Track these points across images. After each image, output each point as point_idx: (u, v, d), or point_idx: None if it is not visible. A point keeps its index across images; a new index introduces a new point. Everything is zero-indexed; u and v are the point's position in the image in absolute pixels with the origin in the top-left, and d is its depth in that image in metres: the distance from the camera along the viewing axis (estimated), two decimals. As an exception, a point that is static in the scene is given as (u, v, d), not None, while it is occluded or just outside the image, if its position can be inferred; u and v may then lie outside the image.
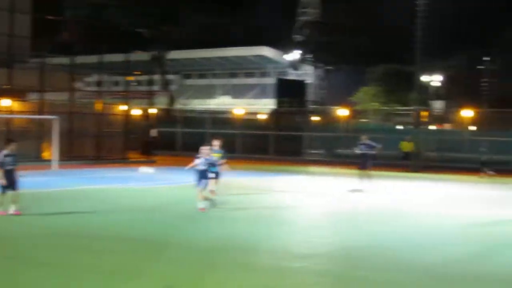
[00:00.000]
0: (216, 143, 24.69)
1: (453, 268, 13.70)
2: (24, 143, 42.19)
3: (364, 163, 30.99)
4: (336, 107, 63.13)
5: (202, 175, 21.54)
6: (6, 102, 41.56)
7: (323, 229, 18.71)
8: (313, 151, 54.25)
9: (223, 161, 24.51)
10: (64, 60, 50.34)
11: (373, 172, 31.35)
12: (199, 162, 22.43)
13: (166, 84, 69.60)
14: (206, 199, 21.33)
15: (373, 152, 31.37)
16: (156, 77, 73.80)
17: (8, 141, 20.62)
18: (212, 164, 22.95)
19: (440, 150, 50.40)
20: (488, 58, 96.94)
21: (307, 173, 40.93)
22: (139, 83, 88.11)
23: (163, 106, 68.24)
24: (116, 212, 20.97)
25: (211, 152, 23.38)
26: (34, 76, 44.00)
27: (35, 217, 19.67)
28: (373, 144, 31.44)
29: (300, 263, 13.92)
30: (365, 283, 12.41)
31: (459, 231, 18.30)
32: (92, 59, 49.52)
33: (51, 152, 40.13)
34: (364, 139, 31.56)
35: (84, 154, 45.08)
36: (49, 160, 39.63)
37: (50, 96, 45.70)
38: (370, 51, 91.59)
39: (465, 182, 37.08)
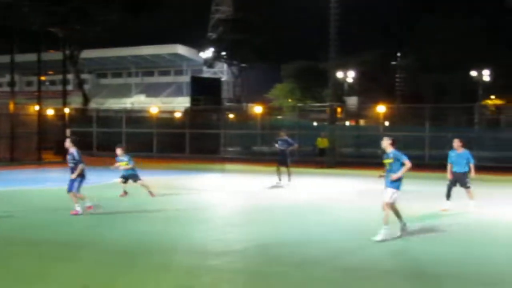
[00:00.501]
0: (119, 151, 24.96)
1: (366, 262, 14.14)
2: None
3: (283, 160, 31.41)
4: (251, 104, 63.55)
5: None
6: None
7: (240, 226, 18.94)
8: (230, 149, 54.50)
9: (132, 165, 24.97)
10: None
11: (292, 169, 31.81)
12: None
13: (80, 84, 68.86)
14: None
15: (291, 148, 31.84)
16: (70, 76, 72.97)
17: None
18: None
19: (355, 146, 51.34)
20: (400, 54, 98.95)
21: (224, 171, 41.16)
22: (52, 82, 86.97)
23: (78, 106, 67.53)
24: (29, 214, 20.73)
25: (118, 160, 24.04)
26: None
27: None
28: (290, 141, 31.90)
29: (215, 261, 14.12)
30: (281, 279, 12.66)
31: (375, 225, 18.78)
32: (4, 59, 48.71)
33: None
34: (283, 135, 31.98)
35: (-4, 156, 44.40)
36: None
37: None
38: (284, 48, 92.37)
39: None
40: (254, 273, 13.03)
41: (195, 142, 53.52)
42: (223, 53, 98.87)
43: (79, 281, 12.22)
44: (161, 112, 65.05)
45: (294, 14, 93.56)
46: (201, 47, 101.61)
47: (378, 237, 16.00)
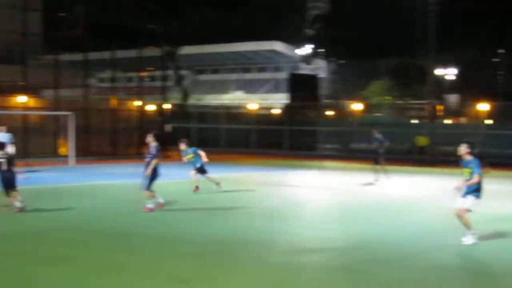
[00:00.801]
0: (183, 146, 25.05)
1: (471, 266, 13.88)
2: (41, 139, 42.70)
3: (377, 158, 31.22)
4: (349, 101, 63.18)
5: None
6: (22, 99, 41.91)
7: (336, 224, 18.87)
8: (327, 146, 54.33)
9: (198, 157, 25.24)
10: (77, 56, 50.67)
11: (387, 167, 31.55)
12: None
13: (179, 80, 69.83)
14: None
15: (381, 146, 31.59)
16: (169, 72, 74.04)
17: None
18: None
19: (456, 144, 50.36)
20: (503, 51, 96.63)
21: (321, 168, 41.03)
22: (152, 78, 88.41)
23: (177, 102, 68.42)
24: (127, 207, 21.12)
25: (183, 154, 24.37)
26: (48, 73, 44.33)
27: (49, 212, 19.92)
28: (382, 139, 31.65)
29: (312, 258, 14.13)
30: (378, 278, 12.59)
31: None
32: (105, 55, 49.80)
33: (68, 148, 40.54)
34: (376, 133, 31.76)
35: (100, 150, 45.46)
36: (65, 156, 40.01)
37: (64, 93, 46.04)
38: (383, 45, 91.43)
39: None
40: (351, 271, 12.97)
41: (292, 138, 53.57)
42: (321, 50, 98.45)
43: (178, 275, 12.40)
44: (259, 108, 65.33)
45: (393, 9, 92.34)
46: (298, 43, 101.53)
47: (467, 241, 15.62)
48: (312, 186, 29.77)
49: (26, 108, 42.04)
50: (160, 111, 52.30)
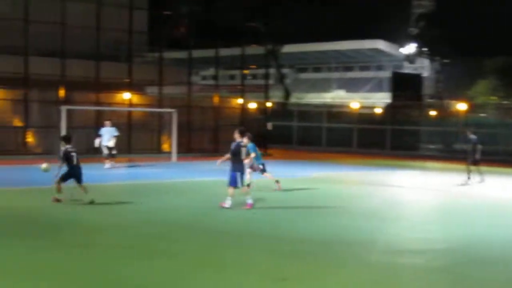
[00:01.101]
0: (245, 141, 22.85)
1: None
2: (144, 135, 43.58)
3: (471, 158, 30.68)
4: (453, 101, 62.05)
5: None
6: (126, 96, 42.83)
7: (437, 224, 18.62)
8: (429, 146, 53.55)
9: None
10: (180, 54, 51.40)
11: (483, 168, 30.95)
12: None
13: (281, 78, 69.99)
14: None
15: (473, 148, 31.02)
16: (271, 71, 74.35)
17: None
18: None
19: None
20: None
21: (423, 168, 40.49)
22: (254, 77, 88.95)
23: (278, 100, 68.61)
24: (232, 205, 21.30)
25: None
26: (152, 70, 45.14)
27: (147, 206, 20.29)
28: (476, 140, 31.07)
29: (412, 259, 13.96)
30: (479, 280, 12.35)
31: None
32: (208, 53, 50.35)
33: (170, 144, 41.26)
34: (470, 133, 31.27)
35: (202, 147, 46.02)
36: (168, 152, 40.70)
37: (167, 90, 46.81)
38: (488, 44, 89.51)
39: None
40: (453, 274, 12.76)
41: (394, 138, 53.03)
42: (424, 49, 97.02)
43: (276, 272, 12.43)
44: (361, 107, 64.88)
45: (499, 7, 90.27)
46: (401, 42, 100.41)
47: None
48: (413, 186, 29.44)
49: (130, 104, 42.91)
50: (262, 109, 52.56)
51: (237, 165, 20.28)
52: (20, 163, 34.61)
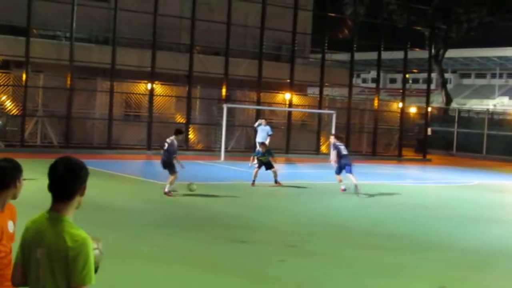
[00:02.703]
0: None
1: None
2: (303, 136, 43.63)
3: None
4: None
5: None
6: (287, 96, 42.98)
7: None
8: None
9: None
10: (343, 56, 51.11)
11: None
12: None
13: (443, 83, 68.43)
14: None
15: None
16: (433, 75, 72.95)
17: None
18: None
19: None
20: None
21: None
22: (415, 81, 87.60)
23: (439, 105, 67.20)
24: (386, 208, 20.95)
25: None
26: (314, 72, 45.12)
27: (299, 207, 20.25)
28: None
29: None
30: None
31: None
32: (370, 55, 49.83)
33: (328, 146, 41.05)
34: None
35: (360, 149, 45.70)
36: (325, 154, 40.55)
37: (327, 91, 46.69)
38: None
39: None
40: None
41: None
42: None
43: (436, 280, 12.03)
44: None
45: None
46: None
47: None
48: None
49: (290, 105, 43.00)
50: (422, 113, 51.51)
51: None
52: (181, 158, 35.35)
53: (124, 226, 15.63)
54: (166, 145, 21.24)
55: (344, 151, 23.36)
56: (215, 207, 19.17)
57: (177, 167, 20.91)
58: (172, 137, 21.43)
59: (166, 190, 20.71)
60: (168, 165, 21.09)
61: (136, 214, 17.56)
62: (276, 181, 24.47)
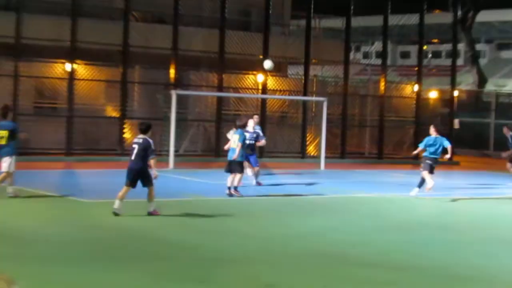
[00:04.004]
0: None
1: None
2: (283, 132, 43.57)
3: None
4: None
5: None
6: (259, 78, 42.61)
7: None
8: None
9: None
10: (336, 22, 51.15)
11: None
12: None
13: (474, 57, 68.83)
14: None
15: None
16: (461, 47, 73.41)
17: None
18: None
19: None
20: None
21: None
22: (436, 54, 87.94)
23: (469, 88, 67.55)
24: (398, 230, 21.11)
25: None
26: (295, 44, 45.11)
27: (289, 232, 20.43)
28: None
29: None
30: None
31: None
32: (374, 20, 49.96)
33: (317, 146, 41.08)
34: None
35: (361, 150, 45.82)
36: (314, 157, 40.66)
37: (315, 71, 46.74)
38: None
39: None
40: None
41: None
42: None
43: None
44: None
45: None
46: None
47: None
48: None
49: (264, 90, 42.56)
50: (446, 100, 51.63)
51: None
52: (114, 166, 35.42)
53: (36, 260, 15.60)
54: (136, 146, 21.11)
55: None
56: (161, 233, 19.17)
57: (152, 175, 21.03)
58: (141, 136, 21.40)
59: (151, 209, 20.95)
60: (141, 175, 21.08)
61: (55, 244, 17.47)
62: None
